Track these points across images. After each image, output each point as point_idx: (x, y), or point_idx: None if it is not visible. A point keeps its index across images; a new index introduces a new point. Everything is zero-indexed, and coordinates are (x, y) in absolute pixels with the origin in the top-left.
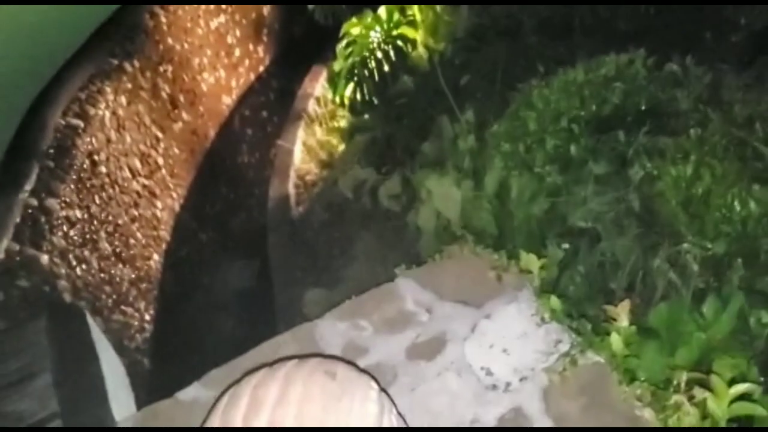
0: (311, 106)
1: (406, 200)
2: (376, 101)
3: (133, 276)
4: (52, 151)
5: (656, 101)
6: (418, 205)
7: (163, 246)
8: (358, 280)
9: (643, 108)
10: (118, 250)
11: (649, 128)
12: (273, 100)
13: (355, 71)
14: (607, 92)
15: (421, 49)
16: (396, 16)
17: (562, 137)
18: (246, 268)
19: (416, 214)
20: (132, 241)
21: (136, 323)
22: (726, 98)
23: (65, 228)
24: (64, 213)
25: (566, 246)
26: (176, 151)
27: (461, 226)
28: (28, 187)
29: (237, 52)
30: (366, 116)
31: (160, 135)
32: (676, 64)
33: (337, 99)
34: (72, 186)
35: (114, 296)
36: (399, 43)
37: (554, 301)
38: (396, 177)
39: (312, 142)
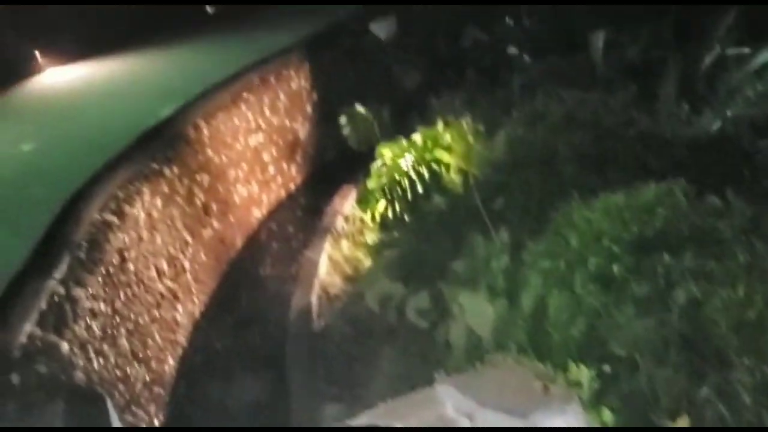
0: (339, 223)
1: (435, 316)
2: (407, 219)
3: (147, 378)
4: (85, 243)
5: (699, 229)
6: (448, 321)
7: (179, 351)
8: (381, 396)
9: (686, 234)
10: (135, 349)
11: (694, 252)
12: (301, 216)
13: (388, 189)
14: (649, 217)
15: (454, 173)
16: (430, 143)
17: (603, 256)
18: (262, 381)
19: (446, 330)
20: (150, 342)
21: (143, 426)
22: None
23: (89, 319)
24: (89, 304)
25: (606, 370)
26: (203, 257)
27: (494, 344)
28: (58, 275)
29: (271, 169)
30: (396, 233)
31: (189, 240)
32: (716, 197)
33: (368, 215)
34: (100, 279)
35: (127, 396)
36: (433, 165)
37: (606, 415)
38: (425, 292)
39: (338, 256)
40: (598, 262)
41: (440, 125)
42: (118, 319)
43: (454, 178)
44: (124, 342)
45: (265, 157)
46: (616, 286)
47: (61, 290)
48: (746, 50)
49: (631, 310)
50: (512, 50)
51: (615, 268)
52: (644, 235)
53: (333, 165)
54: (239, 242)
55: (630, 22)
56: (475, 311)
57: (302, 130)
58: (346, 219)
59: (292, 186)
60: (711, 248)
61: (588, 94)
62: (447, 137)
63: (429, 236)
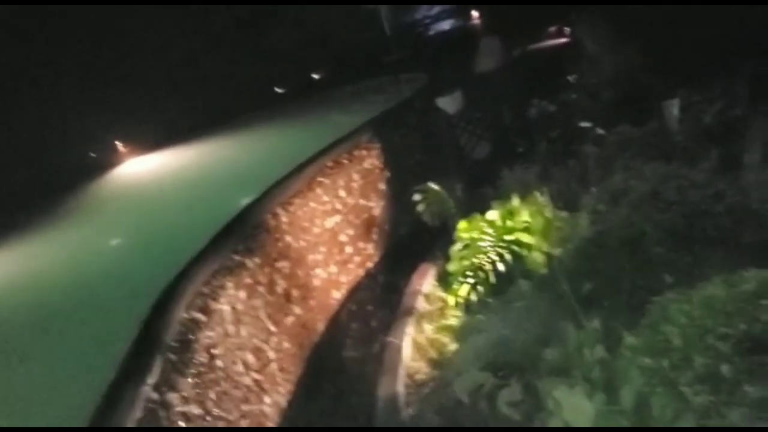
0: (420, 303)
1: (528, 408)
2: (492, 302)
3: None
4: (175, 344)
5: None
6: (541, 415)
7: None
8: None
9: None
10: None
11: None
12: (380, 295)
13: (470, 272)
14: (755, 310)
15: (536, 254)
16: (509, 221)
17: (710, 356)
18: None
19: (542, 424)
20: None
21: None
22: None
23: (182, 423)
24: (181, 408)
25: None
26: (286, 345)
27: None
28: (151, 380)
29: (348, 249)
30: (481, 317)
31: (273, 329)
32: None
33: (451, 300)
34: (191, 380)
35: None
36: (514, 247)
37: None
38: (516, 383)
39: (422, 339)
40: (705, 363)
41: (515, 200)
42: (209, 419)
43: (536, 258)
44: None
45: (342, 237)
46: (727, 387)
47: (155, 396)
48: None
49: (746, 410)
50: (584, 122)
51: (724, 368)
52: (752, 331)
53: (408, 242)
54: (321, 326)
55: (702, 84)
56: (572, 406)
57: (377, 208)
58: (427, 299)
59: (370, 265)
60: None
61: (668, 166)
62: (524, 214)
63: (516, 322)
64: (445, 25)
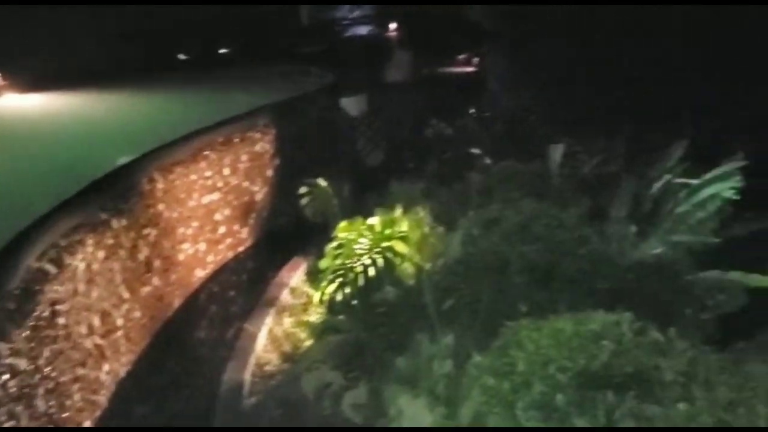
0: (284, 295)
1: (370, 413)
2: (355, 305)
3: None
4: (17, 292)
5: (642, 366)
6: (382, 421)
7: (98, 413)
8: None
9: (630, 371)
10: (51, 410)
11: (636, 393)
12: (245, 281)
13: (340, 272)
14: (596, 348)
15: (408, 264)
16: (388, 228)
17: (549, 384)
18: None
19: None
20: (68, 402)
21: None
22: (708, 377)
23: (6, 377)
24: (10, 360)
25: None
26: (137, 314)
27: None
28: None
29: (222, 229)
30: (342, 317)
31: (126, 295)
32: (659, 333)
33: (317, 296)
34: (27, 333)
35: None
36: (388, 254)
37: None
38: (363, 386)
39: (279, 331)
40: (543, 391)
41: (398, 211)
42: (38, 378)
43: (407, 269)
44: (40, 403)
45: (218, 216)
46: (558, 417)
47: None
48: (693, 181)
49: None
50: (474, 149)
51: (559, 398)
52: (589, 367)
53: (286, 233)
54: (177, 302)
55: (587, 137)
56: (412, 415)
57: (260, 193)
58: (292, 292)
59: (242, 249)
60: (652, 390)
61: (542, 204)
62: (404, 225)
63: (375, 327)
64: (363, 29)
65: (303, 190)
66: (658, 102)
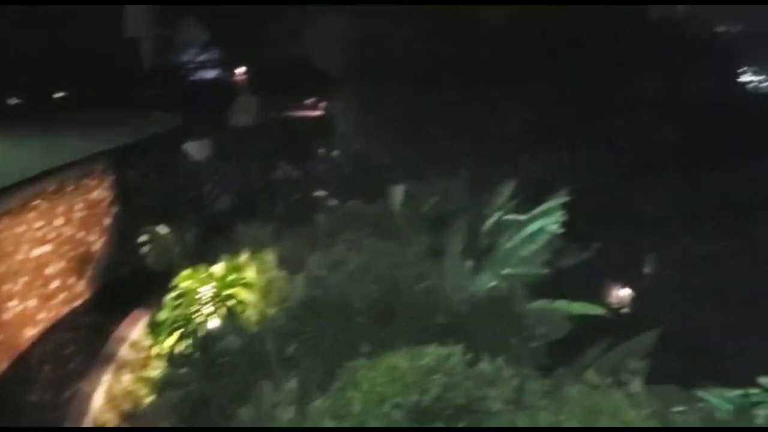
0: (124, 351)
1: None
2: (197, 356)
3: None
4: None
5: (472, 398)
6: None
7: None
8: None
9: (461, 403)
10: None
11: (466, 424)
12: (82, 338)
13: (181, 323)
14: (428, 383)
15: (251, 311)
16: (232, 275)
17: (384, 422)
18: None
19: None
20: None
21: None
22: (531, 402)
23: None
24: None
25: None
26: None
27: None
28: None
29: (55, 283)
30: (184, 370)
31: None
32: (489, 364)
33: (156, 349)
34: None
35: None
36: (230, 302)
37: None
38: None
39: (117, 389)
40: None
41: (244, 256)
42: None
43: (250, 316)
44: None
45: (50, 270)
46: None
47: None
48: (522, 217)
49: None
50: (319, 192)
51: None
52: (422, 402)
53: (126, 285)
54: (4, 364)
55: (428, 177)
56: None
57: (97, 243)
58: (133, 347)
59: (78, 303)
60: (481, 420)
61: (384, 244)
62: (249, 271)
63: (218, 378)
64: (210, 73)
65: (144, 238)
66: (493, 144)
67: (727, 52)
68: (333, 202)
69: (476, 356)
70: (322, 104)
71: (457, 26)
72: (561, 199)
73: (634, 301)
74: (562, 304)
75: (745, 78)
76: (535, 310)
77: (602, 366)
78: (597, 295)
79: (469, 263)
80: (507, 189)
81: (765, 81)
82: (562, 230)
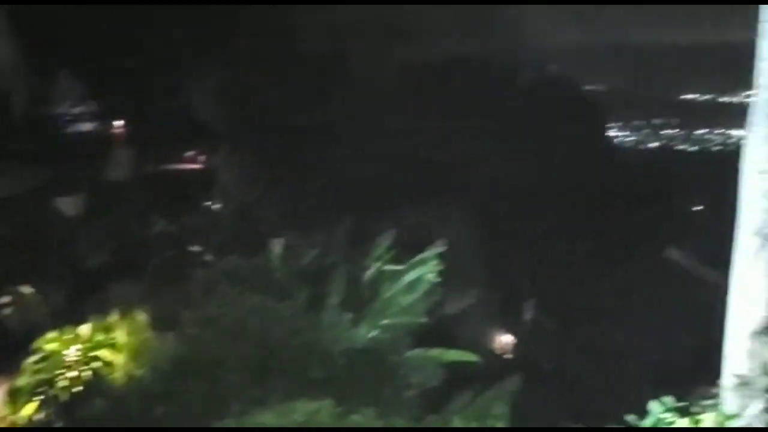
0: None
1: None
2: (60, 424)
3: None
4: None
5: None
6: None
7: None
8: None
9: None
10: None
11: None
12: None
13: (42, 389)
14: None
15: (119, 372)
16: (100, 336)
17: None
18: None
19: None
20: None
21: None
22: None
23: None
24: None
25: None
26: None
27: None
28: None
29: None
30: None
31: None
32: (359, 416)
33: (14, 418)
34: None
35: None
36: (96, 363)
37: None
38: None
39: None
40: None
41: (114, 316)
42: None
43: (118, 378)
44: None
45: None
46: None
47: None
48: (400, 267)
49: None
50: (195, 247)
51: None
52: None
53: None
54: None
55: (308, 229)
56: None
57: None
58: None
59: None
60: None
61: (260, 299)
62: (119, 331)
63: None
64: (84, 126)
65: (5, 299)
66: (374, 195)
67: (595, 108)
68: (210, 256)
69: (348, 409)
70: (202, 157)
71: (337, 79)
72: (437, 249)
73: (514, 346)
74: (436, 353)
75: (611, 133)
76: (411, 359)
77: (469, 412)
78: (479, 342)
79: (348, 315)
80: (386, 239)
81: (629, 136)
82: (438, 279)
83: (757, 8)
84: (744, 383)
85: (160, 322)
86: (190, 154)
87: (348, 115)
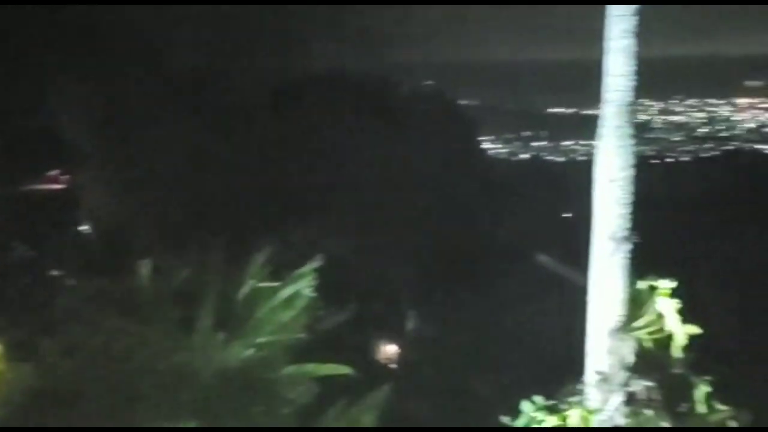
0: None
1: None
2: None
3: None
4: None
5: None
6: None
7: None
8: None
9: None
10: None
11: None
12: None
13: None
14: None
15: None
16: None
17: None
18: None
19: None
20: None
21: None
22: None
23: None
24: None
25: None
26: None
27: None
28: None
29: None
30: None
31: None
32: None
33: None
34: None
35: None
36: None
37: None
38: None
39: None
40: None
41: None
42: None
43: None
44: None
45: None
46: None
47: None
48: (275, 284)
49: None
50: (61, 272)
51: None
52: None
53: None
54: None
55: (180, 249)
56: None
57: None
58: None
59: None
60: None
61: (129, 322)
62: None
63: None
64: None
65: None
66: (249, 212)
67: (467, 122)
68: (73, 281)
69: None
70: (65, 177)
71: (205, 96)
72: (313, 264)
73: (398, 356)
74: (311, 368)
75: (483, 145)
76: (286, 376)
77: (339, 425)
78: (363, 354)
79: (221, 335)
80: (261, 256)
81: (501, 148)
82: (314, 294)
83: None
84: (605, 379)
85: (18, 352)
86: (53, 173)
87: (219, 132)
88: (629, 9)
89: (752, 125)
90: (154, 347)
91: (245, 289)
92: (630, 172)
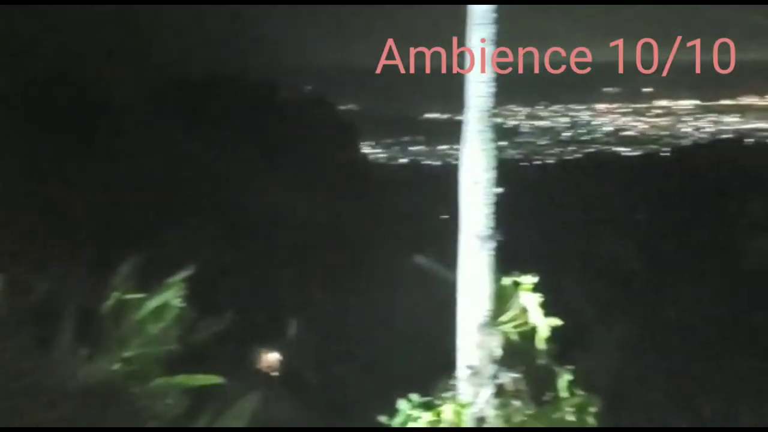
0: None
1: None
2: None
3: None
4: None
5: None
6: None
7: None
8: None
9: None
10: None
11: None
12: None
13: None
14: None
15: None
16: None
17: None
18: None
19: None
20: None
21: None
22: None
23: None
24: None
25: None
26: None
27: None
28: None
29: None
30: None
31: None
32: None
33: None
34: None
35: None
36: None
37: None
38: None
39: None
40: None
41: None
42: None
43: None
44: None
45: None
46: None
47: None
48: (142, 295)
49: None
50: None
51: None
52: None
53: None
54: None
55: (40, 263)
56: None
57: None
58: None
59: None
60: None
61: None
62: None
63: None
64: None
65: None
66: (116, 224)
67: (349, 127)
68: None
69: None
70: None
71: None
72: (183, 273)
73: (278, 362)
74: (180, 379)
75: (364, 150)
76: (154, 388)
77: None
78: (239, 364)
79: (83, 351)
80: (127, 267)
81: (382, 153)
82: (184, 304)
83: None
84: (475, 373)
85: None
86: None
87: (87, 139)
88: (487, 18)
89: (611, 128)
90: (7, 367)
91: (109, 302)
92: (493, 174)
